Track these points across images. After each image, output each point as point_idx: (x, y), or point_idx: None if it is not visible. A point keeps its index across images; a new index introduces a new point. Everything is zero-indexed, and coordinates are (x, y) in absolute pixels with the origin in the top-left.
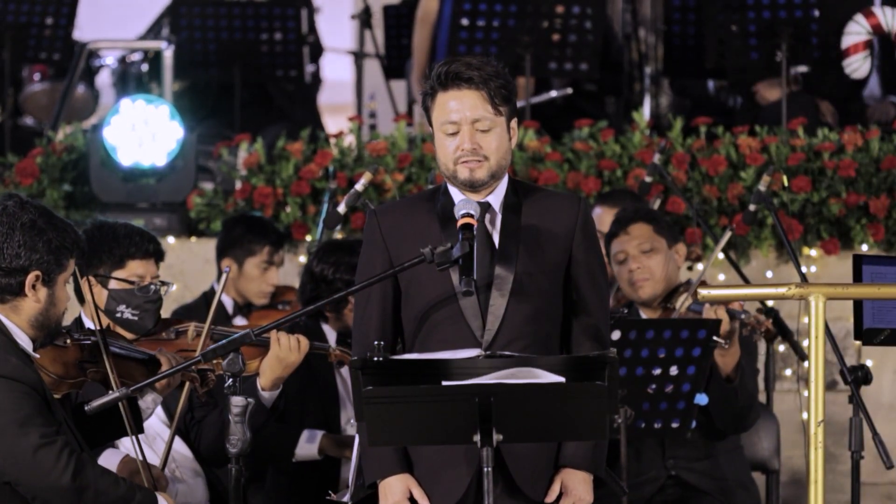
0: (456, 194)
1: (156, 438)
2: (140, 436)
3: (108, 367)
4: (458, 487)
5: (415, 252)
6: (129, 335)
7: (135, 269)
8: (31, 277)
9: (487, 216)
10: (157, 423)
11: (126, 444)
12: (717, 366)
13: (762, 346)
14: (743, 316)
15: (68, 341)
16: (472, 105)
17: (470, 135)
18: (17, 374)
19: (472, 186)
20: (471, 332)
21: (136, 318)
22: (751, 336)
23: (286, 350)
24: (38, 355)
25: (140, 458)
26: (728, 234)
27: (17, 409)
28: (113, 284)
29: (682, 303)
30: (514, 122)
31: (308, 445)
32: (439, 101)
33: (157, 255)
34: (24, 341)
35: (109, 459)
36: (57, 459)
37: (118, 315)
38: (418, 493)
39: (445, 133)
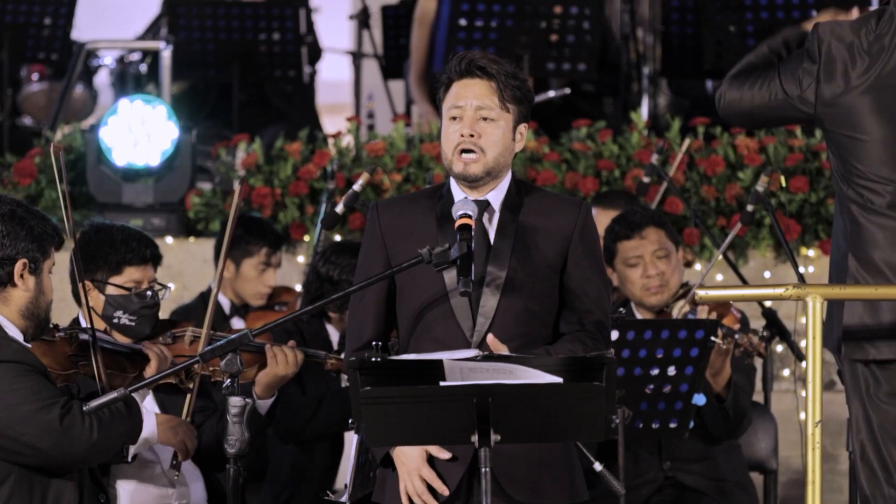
0: (457, 193)
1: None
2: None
3: (95, 367)
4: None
5: (411, 250)
6: (126, 340)
7: (132, 274)
8: (18, 266)
9: (485, 215)
10: (151, 426)
11: None
12: (708, 384)
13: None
14: (737, 336)
15: (56, 336)
16: (479, 93)
17: (472, 121)
18: (21, 357)
19: (466, 180)
20: (461, 331)
21: (133, 323)
22: (743, 358)
23: (283, 365)
24: (29, 345)
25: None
26: (730, 237)
27: (33, 391)
28: (110, 290)
29: (680, 309)
30: (522, 127)
31: None
32: (451, 90)
33: (155, 259)
34: (15, 334)
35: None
36: (82, 422)
37: (115, 321)
38: (434, 450)
39: (449, 118)
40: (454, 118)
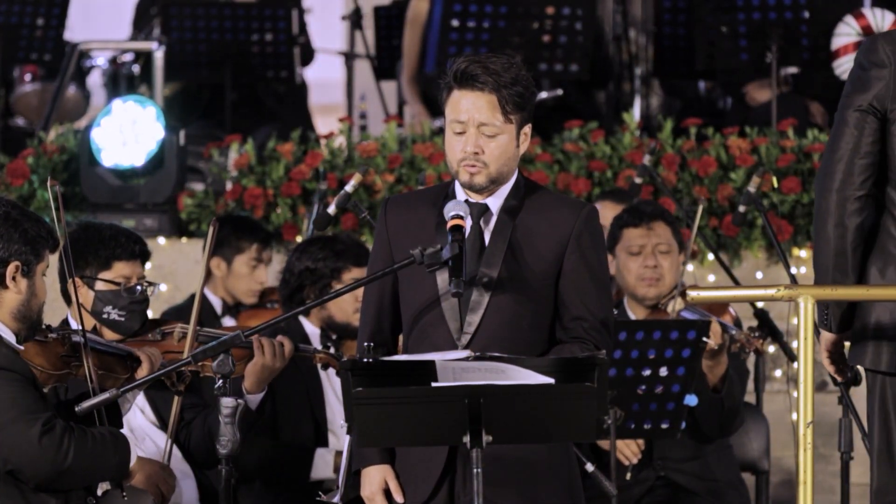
0: (460, 193)
1: (144, 439)
2: (129, 435)
3: (87, 368)
4: (427, 485)
5: (411, 248)
6: (115, 336)
7: (121, 270)
8: (11, 268)
9: (482, 218)
10: (145, 424)
11: None
12: (704, 376)
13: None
14: (734, 332)
15: (49, 336)
16: (481, 109)
17: (475, 138)
18: (10, 365)
19: (471, 189)
20: (450, 334)
21: (122, 318)
22: (739, 353)
23: (270, 357)
24: (22, 347)
25: None
26: (700, 208)
27: (16, 401)
28: (99, 286)
29: (673, 307)
30: (527, 128)
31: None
32: (453, 98)
33: (143, 255)
34: (8, 335)
35: None
36: (59, 444)
37: (105, 316)
38: (394, 487)
39: (453, 131)
40: (457, 132)
